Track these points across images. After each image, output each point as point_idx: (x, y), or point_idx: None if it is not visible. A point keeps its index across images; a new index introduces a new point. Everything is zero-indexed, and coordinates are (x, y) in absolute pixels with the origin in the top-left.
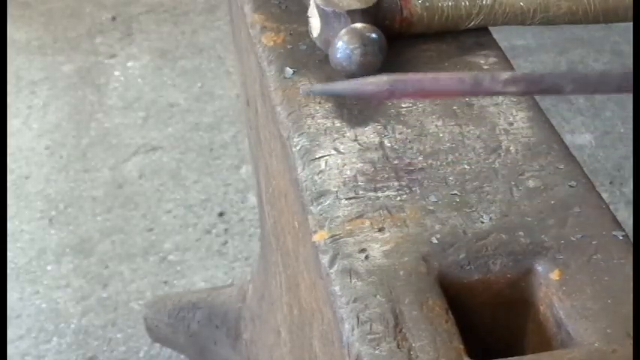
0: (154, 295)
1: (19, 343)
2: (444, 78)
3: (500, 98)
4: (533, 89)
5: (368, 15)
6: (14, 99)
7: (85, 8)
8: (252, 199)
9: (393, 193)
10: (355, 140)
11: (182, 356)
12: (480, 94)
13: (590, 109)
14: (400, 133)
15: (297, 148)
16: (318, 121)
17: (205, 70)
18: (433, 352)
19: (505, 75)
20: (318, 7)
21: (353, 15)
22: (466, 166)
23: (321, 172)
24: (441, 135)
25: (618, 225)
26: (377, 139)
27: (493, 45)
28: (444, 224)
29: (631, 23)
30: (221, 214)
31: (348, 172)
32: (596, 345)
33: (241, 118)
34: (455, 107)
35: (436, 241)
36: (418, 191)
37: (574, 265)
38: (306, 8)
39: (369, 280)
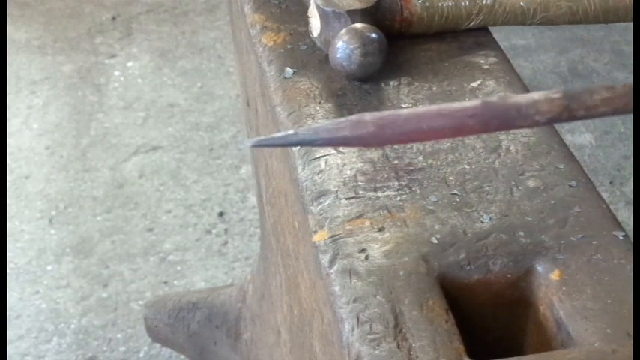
0: (154, 295)
1: (19, 343)
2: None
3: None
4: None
5: (368, 15)
6: (14, 99)
7: (85, 8)
8: (252, 199)
9: (393, 193)
10: None
11: (182, 356)
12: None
13: None
14: None
15: (297, 148)
16: (319, 121)
17: (205, 70)
18: (433, 352)
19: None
20: (318, 7)
21: (353, 15)
22: (466, 166)
23: (321, 172)
24: None
25: (618, 225)
26: None
27: (493, 45)
28: (444, 224)
29: (631, 23)
30: (221, 214)
31: (348, 172)
32: (596, 345)
33: (241, 118)
34: None
35: (436, 241)
36: (418, 191)
37: (574, 265)
38: (306, 8)
39: (369, 280)
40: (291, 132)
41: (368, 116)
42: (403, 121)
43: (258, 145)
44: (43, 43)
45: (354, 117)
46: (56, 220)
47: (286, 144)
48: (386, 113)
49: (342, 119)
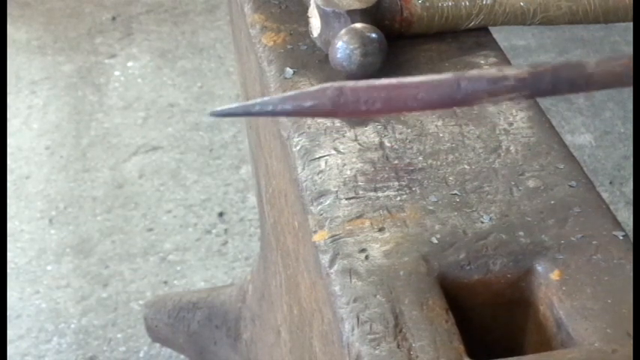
0: (154, 295)
1: (19, 343)
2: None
3: None
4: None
5: (368, 15)
6: (14, 99)
7: (85, 8)
8: (252, 199)
9: (393, 193)
10: (355, 140)
11: (182, 356)
12: (469, 103)
13: (590, 109)
14: (400, 133)
15: (297, 148)
16: (318, 120)
17: (205, 70)
18: (433, 352)
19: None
20: (318, 7)
21: (353, 15)
22: (466, 166)
23: (321, 172)
24: (441, 135)
25: (618, 225)
26: (377, 139)
27: (493, 45)
28: (444, 224)
29: (631, 23)
30: (221, 214)
31: (348, 172)
32: (596, 345)
33: (241, 118)
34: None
35: (436, 241)
36: (418, 191)
37: (574, 265)
38: (306, 8)
39: (369, 280)
40: (251, 102)
41: (329, 85)
42: (368, 91)
43: (219, 115)
44: (43, 43)
45: (316, 87)
46: (56, 220)
47: (246, 114)
48: (349, 83)
49: (306, 90)
